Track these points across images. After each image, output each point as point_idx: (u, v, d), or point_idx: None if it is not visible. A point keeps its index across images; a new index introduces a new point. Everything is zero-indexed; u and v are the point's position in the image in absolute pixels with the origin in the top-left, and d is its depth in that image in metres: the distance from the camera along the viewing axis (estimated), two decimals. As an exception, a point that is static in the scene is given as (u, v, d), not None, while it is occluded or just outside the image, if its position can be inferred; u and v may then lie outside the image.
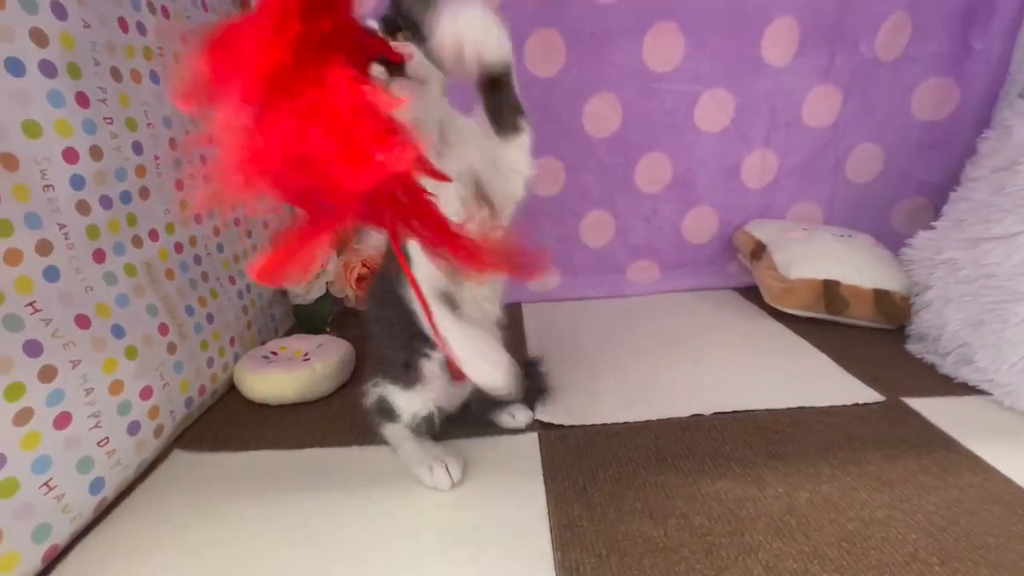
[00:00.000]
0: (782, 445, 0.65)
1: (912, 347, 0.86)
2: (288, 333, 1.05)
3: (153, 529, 0.58)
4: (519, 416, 0.72)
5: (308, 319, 1.04)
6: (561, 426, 0.72)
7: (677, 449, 0.66)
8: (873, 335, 0.93)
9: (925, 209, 1.18)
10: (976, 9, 1.04)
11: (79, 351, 0.57)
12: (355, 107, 0.36)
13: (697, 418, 0.72)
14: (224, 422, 0.78)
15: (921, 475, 0.59)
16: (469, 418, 0.71)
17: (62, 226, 0.57)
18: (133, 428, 0.63)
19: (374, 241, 1.06)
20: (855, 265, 0.95)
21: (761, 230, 1.12)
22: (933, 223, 0.92)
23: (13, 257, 0.51)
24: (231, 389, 0.85)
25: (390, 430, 0.68)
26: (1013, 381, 0.68)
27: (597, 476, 0.62)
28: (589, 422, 0.72)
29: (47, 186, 0.55)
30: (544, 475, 0.63)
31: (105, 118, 0.62)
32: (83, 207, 0.60)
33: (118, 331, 0.62)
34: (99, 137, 0.61)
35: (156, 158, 0.71)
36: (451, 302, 0.56)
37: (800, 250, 1.00)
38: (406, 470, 0.64)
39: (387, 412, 0.67)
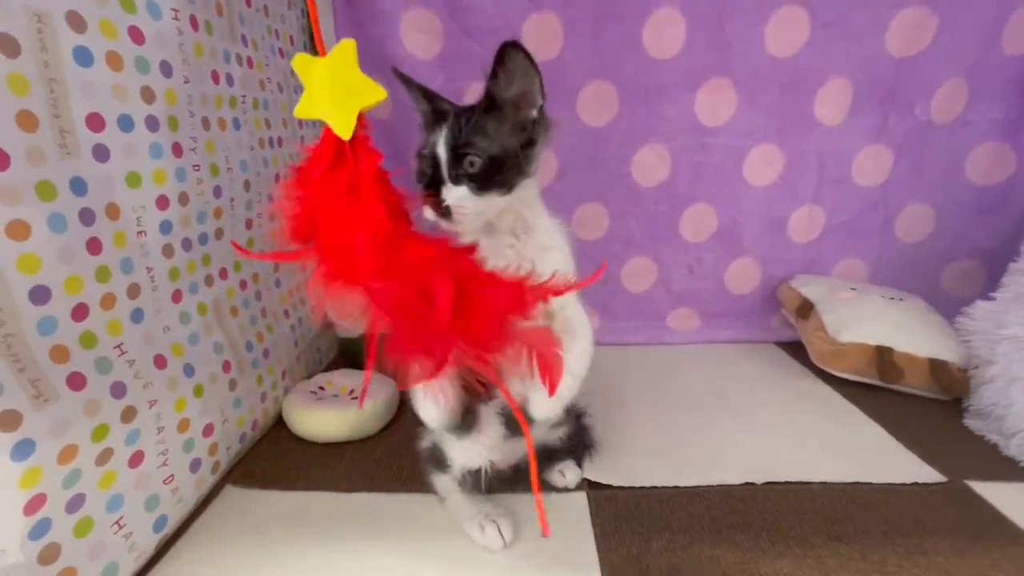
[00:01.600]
0: (841, 525, 0.64)
1: (971, 423, 0.84)
2: (330, 366, 1.07)
3: (209, 570, 0.59)
4: (569, 475, 0.72)
5: (353, 353, 1.06)
6: (610, 486, 0.71)
7: (732, 521, 0.65)
8: (928, 405, 0.91)
9: (977, 272, 1.16)
10: (1036, 76, 1.03)
11: (156, 391, 0.59)
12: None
13: (749, 487, 0.71)
14: (273, 458, 0.79)
15: (992, 572, 0.56)
16: (519, 477, 0.71)
17: (149, 269, 0.59)
18: (195, 465, 0.65)
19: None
20: (909, 332, 0.93)
21: (808, 287, 1.11)
22: (991, 293, 0.90)
23: (108, 302, 0.53)
24: (278, 423, 0.87)
25: (440, 480, 0.69)
26: (1089, 471, 0.65)
27: (651, 545, 0.61)
28: (639, 484, 0.72)
29: (140, 232, 0.58)
30: (596, 539, 0.62)
31: (194, 165, 0.66)
32: (168, 250, 0.62)
33: (189, 370, 0.64)
34: (188, 184, 0.65)
35: (232, 200, 0.74)
36: None
37: (851, 312, 0.99)
38: (456, 524, 0.64)
39: (439, 460, 0.67)
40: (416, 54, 1.06)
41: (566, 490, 0.71)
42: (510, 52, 0.51)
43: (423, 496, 0.70)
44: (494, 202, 0.55)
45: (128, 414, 0.55)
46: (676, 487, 0.71)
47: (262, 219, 0.83)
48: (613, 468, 0.74)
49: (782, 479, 0.71)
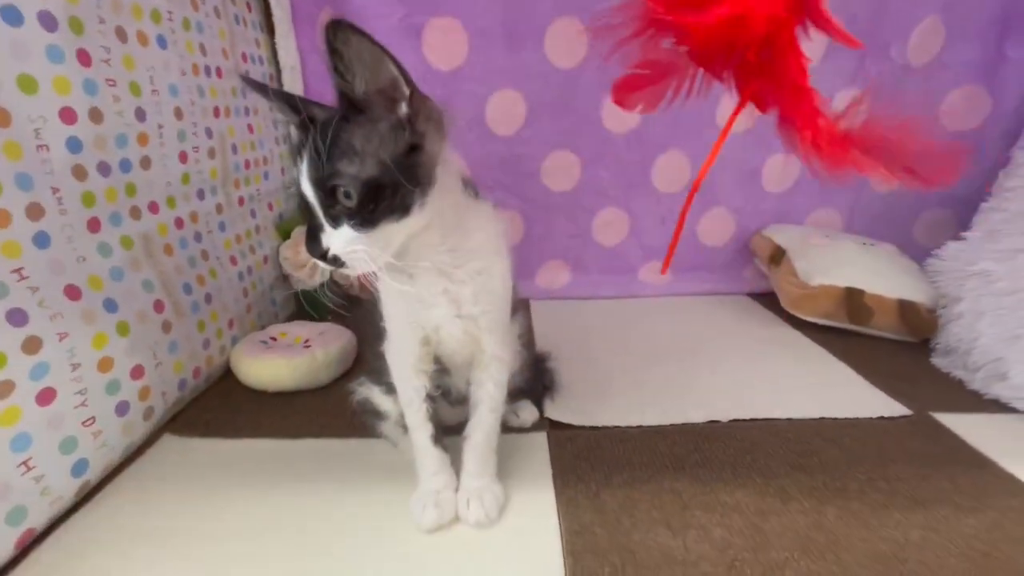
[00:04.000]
0: (805, 457, 0.62)
1: (938, 361, 0.83)
2: (289, 319, 1.02)
3: (139, 517, 0.54)
4: (523, 414, 0.69)
5: (311, 305, 1.01)
6: (570, 426, 0.69)
7: (694, 457, 0.63)
8: (895, 347, 0.90)
9: (948, 221, 1.15)
10: (1013, 16, 1.00)
11: (67, 323, 0.53)
12: None
13: (714, 425, 0.69)
14: (218, 407, 0.75)
15: (956, 496, 0.55)
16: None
17: (55, 190, 0.53)
18: (122, 408, 0.60)
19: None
20: (879, 274, 0.92)
21: (781, 235, 1.08)
22: (963, 234, 0.89)
23: (2, 219, 0.48)
24: (226, 374, 0.82)
25: (383, 427, 0.65)
26: (1050, 400, 0.64)
27: (610, 481, 0.59)
28: (600, 424, 0.69)
29: (41, 146, 0.52)
30: (554, 477, 0.60)
31: (107, 79, 0.59)
32: (79, 172, 0.56)
33: (110, 305, 0.59)
34: (100, 99, 0.58)
35: (160, 127, 0.68)
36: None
37: (822, 257, 0.97)
38: (407, 465, 0.61)
39: (375, 413, 0.64)
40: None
41: (522, 430, 0.68)
42: (340, 35, 0.37)
43: (378, 441, 0.66)
44: (395, 230, 0.43)
45: (31, 345, 0.49)
46: (639, 426, 0.69)
47: (199, 153, 0.76)
48: (574, 409, 0.72)
49: (748, 417, 0.70)
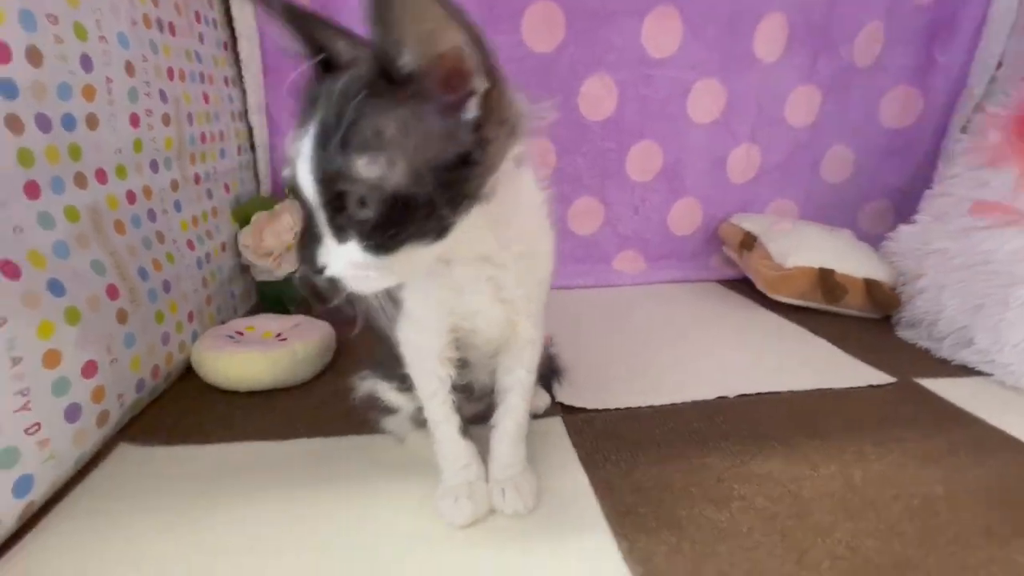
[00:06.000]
0: (817, 425, 0.63)
1: (904, 333, 0.89)
2: (249, 313, 0.91)
3: (99, 544, 0.44)
4: (537, 400, 0.65)
5: (275, 298, 0.91)
6: (583, 409, 0.66)
7: (714, 431, 0.62)
8: (862, 323, 0.95)
9: (888, 211, 1.25)
10: (941, 24, 1.11)
11: (5, 307, 0.43)
12: None
13: (723, 400, 0.69)
14: (181, 410, 0.65)
15: (959, 451, 0.58)
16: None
17: (-15, 141, 0.43)
18: (72, 413, 0.49)
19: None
20: (845, 255, 0.97)
21: (749, 222, 1.13)
22: (913, 217, 0.96)
23: (-83, 169, 0.37)
24: (186, 374, 0.71)
25: (391, 422, 0.59)
26: (1014, 361, 0.70)
27: (638, 460, 0.57)
28: (613, 406, 0.67)
29: (-33, 85, 0.42)
30: (581, 461, 0.56)
31: (48, 15, 0.49)
32: (14, 123, 0.46)
33: (56, 287, 0.49)
34: (40, 36, 0.48)
35: (108, 80, 0.58)
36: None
37: (792, 241, 1.01)
38: (417, 460, 0.55)
39: (383, 408, 0.57)
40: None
41: (535, 416, 0.64)
42: None
43: (379, 436, 0.60)
44: (422, 254, 0.33)
45: (-39, 331, 0.39)
46: (651, 406, 0.68)
47: (152, 118, 0.66)
48: (584, 393, 0.69)
49: (754, 391, 0.70)
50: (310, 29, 0.32)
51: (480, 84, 0.30)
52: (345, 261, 0.32)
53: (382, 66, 0.29)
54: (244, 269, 0.92)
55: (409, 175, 0.30)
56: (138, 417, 0.62)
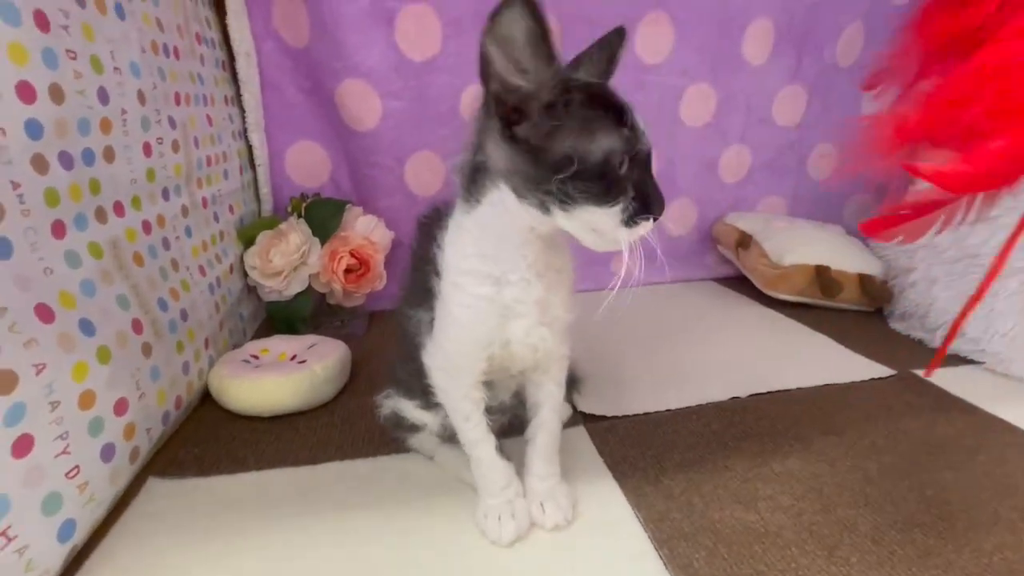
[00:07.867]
0: (828, 421, 0.66)
1: (896, 325, 0.93)
2: (258, 335, 0.91)
3: (147, 579, 0.45)
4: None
5: (284, 318, 0.91)
6: (603, 417, 0.68)
7: (733, 432, 0.64)
8: (857, 317, 0.99)
9: (871, 206, 1.30)
10: (917, 24, 1.16)
11: (43, 352, 0.43)
12: None
13: (736, 400, 0.71)
14: (206, 440, 0.64)
15: (962, 439, 0.62)
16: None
17: (16, 185, 0.42)
18: (107, 452, 0.49)
19: (362, 228, 0.95)
20: (839, 251, 1.01)
21: (743, 221, 1.16)
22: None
23: (-45, 221, 0.37)
24: (203, 402, 0.71)
25: (417, 440, 0.60)
26: (1004, 350, 0.75)
27: (664, 465, 0.59)
28: (632, 412, 0.69)
29: (-4, 129, 0.41)
30: (609, 468, 0.58)
31: (68, 51, 0.48)
32: (40, 163, 0.45)
33: (87, 327, 0.48)
34: (62, 75, 0.47)
35: (123, 112, 0.57)
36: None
37: (788, 238, 1.05)
38: (449, 477, 0.56)
39: (408, 427, 0.59)
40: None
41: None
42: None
43: (410, 456, 0.61)
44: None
45: (4, 381, 0.39)
46: (669, 410, 0.70)
47: (164, 145, 0.66)
48: (603, 401, 0.71)
49: (764, 390, 0.73)
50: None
51: None
52: None
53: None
54: (251, 290, 0.92)
55: None
56: (163, 449, 0.61)
